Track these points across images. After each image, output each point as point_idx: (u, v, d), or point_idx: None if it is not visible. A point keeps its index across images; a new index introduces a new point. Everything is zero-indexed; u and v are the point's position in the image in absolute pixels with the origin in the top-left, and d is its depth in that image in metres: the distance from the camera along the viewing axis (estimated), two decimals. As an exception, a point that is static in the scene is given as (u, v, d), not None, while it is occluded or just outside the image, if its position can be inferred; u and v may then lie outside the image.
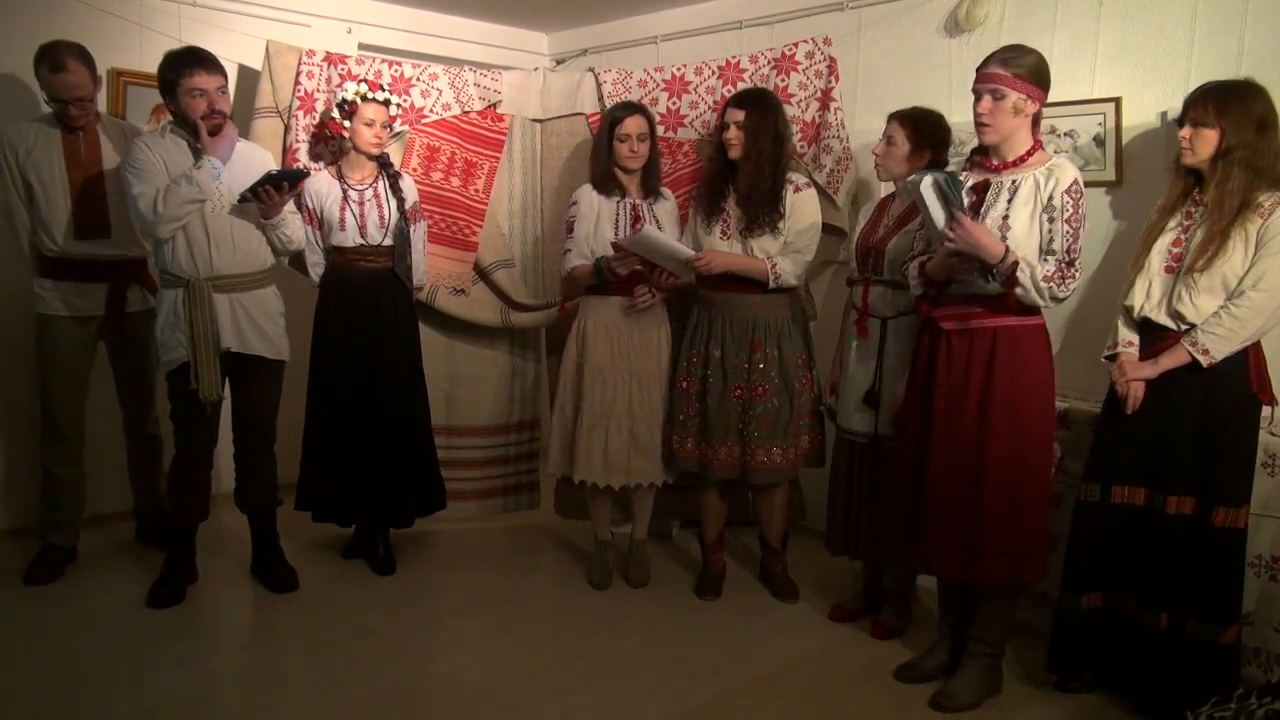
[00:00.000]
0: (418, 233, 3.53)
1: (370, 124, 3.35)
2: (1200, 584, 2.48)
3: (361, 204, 3.40)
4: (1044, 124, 3.19)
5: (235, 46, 3.97)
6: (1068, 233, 2.48)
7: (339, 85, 3.59)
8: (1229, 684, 2.42)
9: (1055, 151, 3.14)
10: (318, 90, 3.67)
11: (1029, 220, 2.51)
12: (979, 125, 2.56)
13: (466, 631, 3.16)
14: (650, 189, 3.43)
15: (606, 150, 3.37)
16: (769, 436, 3.21)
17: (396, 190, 3.45)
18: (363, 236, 3.40)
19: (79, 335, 3.41)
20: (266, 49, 3.69)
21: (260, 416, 3.32)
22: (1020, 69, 2.49)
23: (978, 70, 2.56)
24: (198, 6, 3.97)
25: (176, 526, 3.30)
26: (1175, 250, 2.52)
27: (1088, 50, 3.23)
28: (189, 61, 2.99)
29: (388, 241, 3.43)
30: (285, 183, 3.06)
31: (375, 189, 3.43)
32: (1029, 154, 2.56)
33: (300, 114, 3.65)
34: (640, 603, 3.37)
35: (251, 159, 3.18)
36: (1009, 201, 2.53)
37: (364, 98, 3.34)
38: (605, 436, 3.37)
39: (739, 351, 3.22)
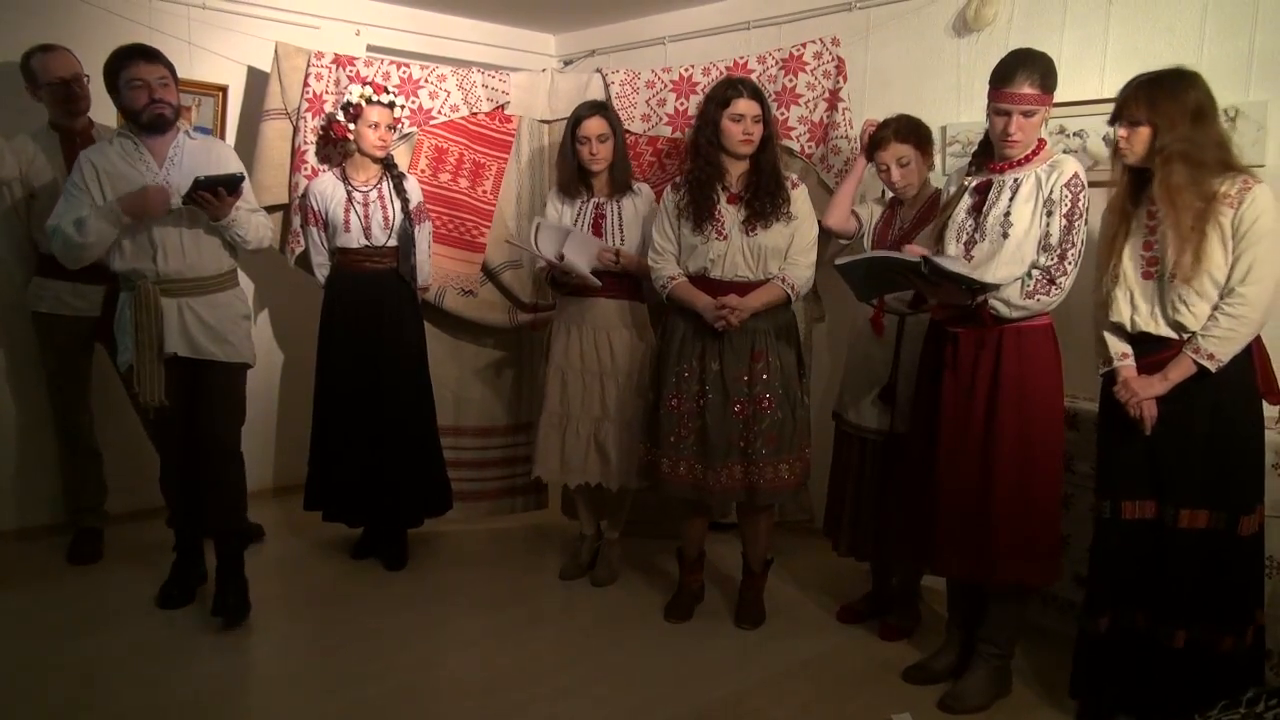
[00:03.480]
0: (422, 233, 3.55)
1: (375, 126, 3.37)
2: (1217, 594, 2.40)
3: (365, 205, 3.41)
4: (1053, 124, 3.20)
5: (244, 48, 3.99)
6: (1064, 226, 2.46)
7: (346, 87, 3.61)
8: (1249, 687, 2.38)
9: (1065, 151, 3.14)
10: (326, 92, 3.69)
11: (1030, 217, 2.50)
12: (1007, 142, 2.50)
13: (474, 632, 3.16)
14: (618, 186, 3.38)
15: (571, 152, 3.34)
16: (777, 452, 2.99)
17: (400, 191, 3.46)
18: (367, 238, 3.41)
19: (74, 335, 3.46)
20: (275, 51, 3.71)
21: (218, 424, 3.09)
22: (1045, 82, 2.46)
23: (999, 88, 2.47)
24: (207, 9, 3.98)
25: (178, 529, 3.29)
26: (1148, 254, 2.40)
27: (1097, 50, 3.21)
28: (127, 54, 2.91)
29: (392, 242, 3.44)
30: (222, 188, 2.89)
31: (379, 190, 3.45)
32: (1034, 152, 2.55)
33: (309, 116, 3.66)
34: (649, 604, 3.37)
35: (209, 156, 3.02)
36: (1010, 199, 2.52)
37: (368, 100, 3.35)
38: (563, 436, 3.41)
39: (739, 363, 2.98)
